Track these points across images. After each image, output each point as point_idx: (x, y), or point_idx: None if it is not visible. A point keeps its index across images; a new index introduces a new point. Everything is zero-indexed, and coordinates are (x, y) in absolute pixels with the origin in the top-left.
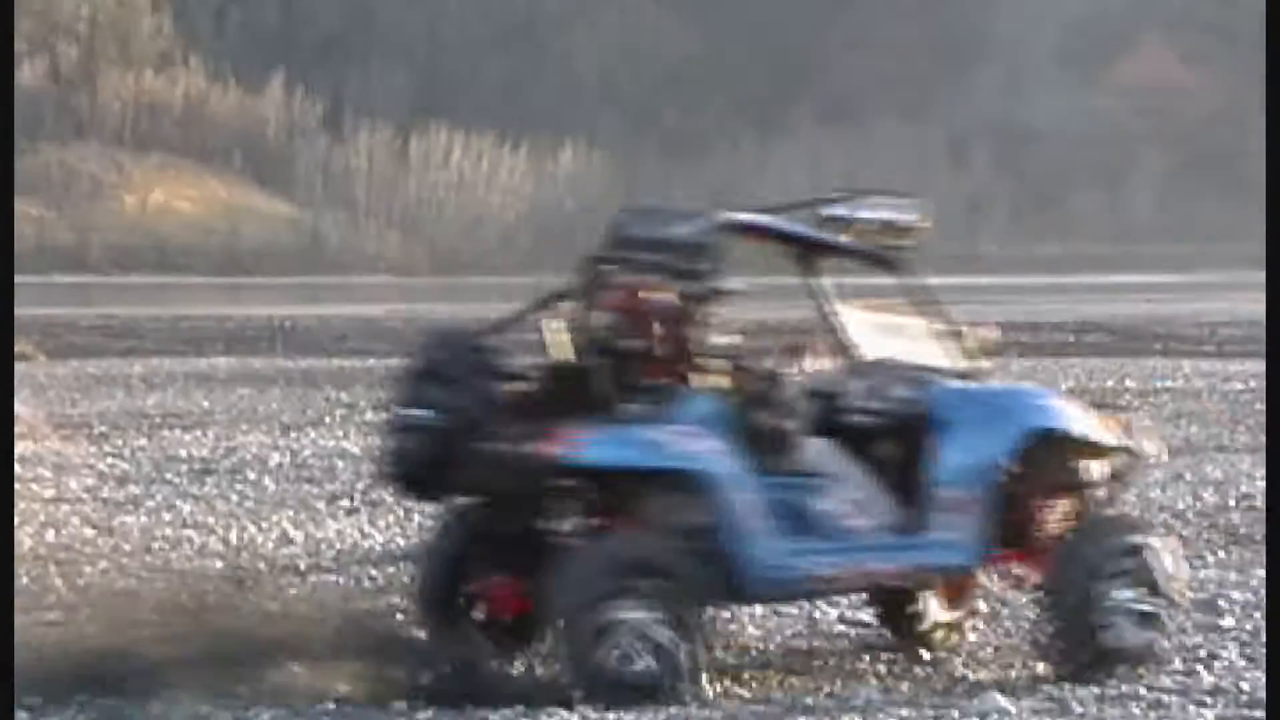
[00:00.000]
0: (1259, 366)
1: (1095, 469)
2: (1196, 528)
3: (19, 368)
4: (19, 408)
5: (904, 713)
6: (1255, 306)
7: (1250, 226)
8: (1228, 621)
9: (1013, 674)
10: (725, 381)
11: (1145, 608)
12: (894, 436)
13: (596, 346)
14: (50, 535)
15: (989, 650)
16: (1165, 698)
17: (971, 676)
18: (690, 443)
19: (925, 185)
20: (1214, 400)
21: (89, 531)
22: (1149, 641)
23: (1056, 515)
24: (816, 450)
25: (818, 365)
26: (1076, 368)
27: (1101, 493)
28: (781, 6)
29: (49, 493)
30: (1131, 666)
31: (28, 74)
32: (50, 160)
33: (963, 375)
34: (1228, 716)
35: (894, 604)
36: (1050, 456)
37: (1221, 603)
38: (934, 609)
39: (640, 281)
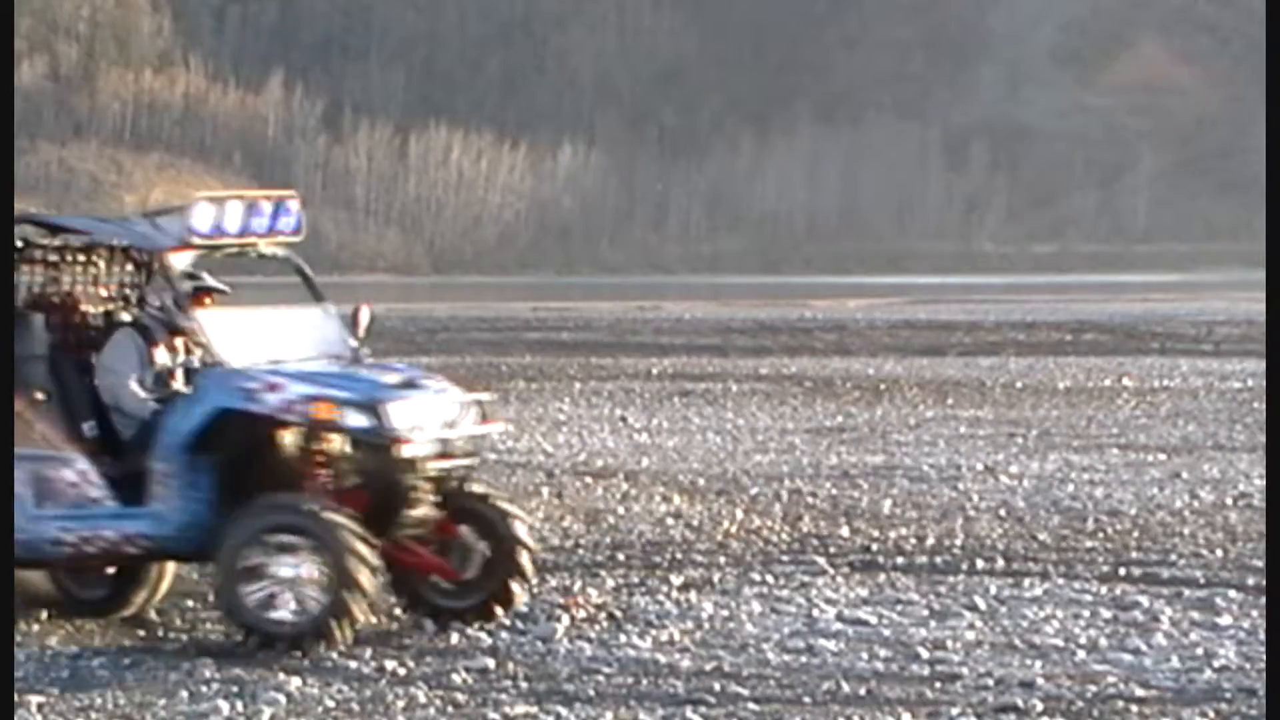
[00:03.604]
0: (1257, 365)
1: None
2: (1194, 526)
3: None
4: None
5: (902, 711)
6: (1253, 305)
7: (1247, 225)
8: (1225, 620)
9: (1011, 672)
10: None
11: (307, 596)
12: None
13: None
14: None
15: (985, 648)
16: (1163, 695)
17: (966, 674)
18: None
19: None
20: (1211, 399)
21: None
22: (300, 627)
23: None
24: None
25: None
26: (1074, 367)
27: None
28: (779, 6)
29: None
30: (275, 645)
31: (27, 73)
32: (50, 159)
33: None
34: (1226, 715)
35: (403, 589)
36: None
37: (1219, 601)
38: (432, 597)
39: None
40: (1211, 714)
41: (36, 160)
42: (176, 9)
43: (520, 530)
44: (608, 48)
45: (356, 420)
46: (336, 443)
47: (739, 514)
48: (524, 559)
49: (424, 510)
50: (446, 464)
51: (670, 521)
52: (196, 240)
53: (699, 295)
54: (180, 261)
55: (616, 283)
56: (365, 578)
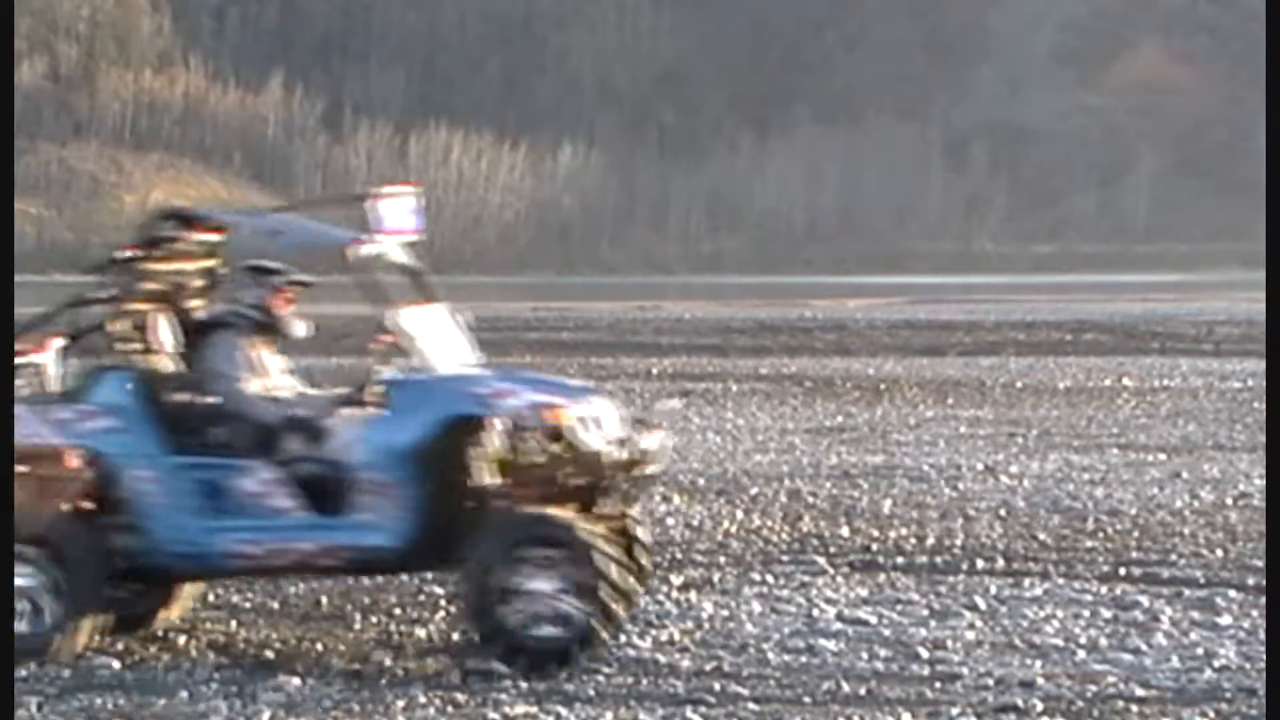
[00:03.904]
0: (1257, 365)
1: (596, 464)
2: (1194, 526)
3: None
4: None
5: (902, 711)
6: (1253, 305)
7: (1247, 225)
8: (1225, 620)
9: (1011, 672)
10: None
11: (567, 607)
12: (298, 424)
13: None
14: None
15: (985, 648)
16: (1163, 695)
17: (967, 674)
18: (89, 422)
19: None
20: (1211, 399)
21: None
22: (567, 639)
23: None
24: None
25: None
26: (1074, 366)
27: (611, 484)
28: (779, 6)
29: None
30: (545, 661)
31: (27, 73)
32: (50, 159)
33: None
34: (1226, 715)
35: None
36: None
37: (1219, 601)
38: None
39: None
40: (1211, 714)
41: (36, 160)
42: (176, 9)
43: (640, 531)
44: (608, 48)
45: (581, 425)
46: (540, 447)
47: (739, 514)
48: (643, 559)
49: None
50: (645, 470)
51: (670, 521)
52: (380, 237)
53: (699, 295)
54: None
55: (616, 283)
56: (622, 581)
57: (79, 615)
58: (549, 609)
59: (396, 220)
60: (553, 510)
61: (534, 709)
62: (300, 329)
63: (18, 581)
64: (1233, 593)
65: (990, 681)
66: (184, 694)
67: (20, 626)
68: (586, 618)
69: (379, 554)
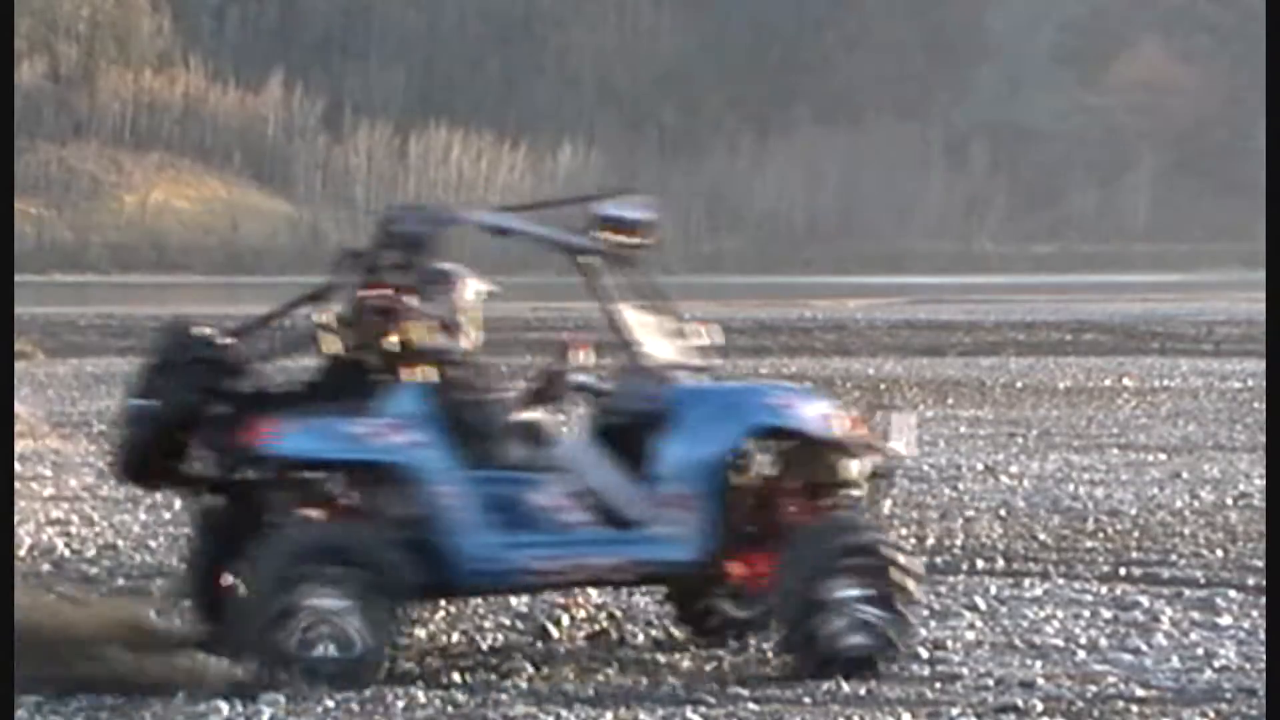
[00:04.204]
0: (1257, 365)
1: (847, 468)
2: (1194, 526)
3: (18, 366)
4: (19, 406)
5: (902, 710)
6: (1252, 305)
7: (1247, 225)
8: (1225, 620)
9: (1012, 672)
10: (433, 375)
11: (869, 615)
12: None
13: (355, 342)
14: (50, 533)
15: (985, 648)
16: (1163, 695)
17: (966, 674)
18: (391, 435)
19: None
20: (1211, 399)
21: (88, 530)
22: (872, 647)
23: (795, 513)
24: (558, 446)
25: (588, 363)
26: (1074, 367)
27: (858, 492)
28: (779, 6)
29: (48, 491)
30: (853, 670)
31: (27, 73)
32: (50, 159)
33: (699, 371)
34: (1226, 715)
35: (686, 600)
36: (796, 455)
37: (1219, 601)
38: (725, 607)
39: (373, 279)
40: (1212, 714)
41: (36, 160)
42: (176, 9)
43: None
44: (608, 48)
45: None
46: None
47: None
48: None
49: None
50: (892, 474)
51: None
52: (611, 239)
53: (699, 295)
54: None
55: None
56: (916, 589)
57: (387, 637)
58: (855, 618)
59: (627, 222)
60: (857, 520)
61: (534, 709)
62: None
63: (326, 603)
64: (1233, 593)
65: (990, 681)
66: (184, 694)
67: (329, 652)
68: (886, 625)
69: (677, 568)
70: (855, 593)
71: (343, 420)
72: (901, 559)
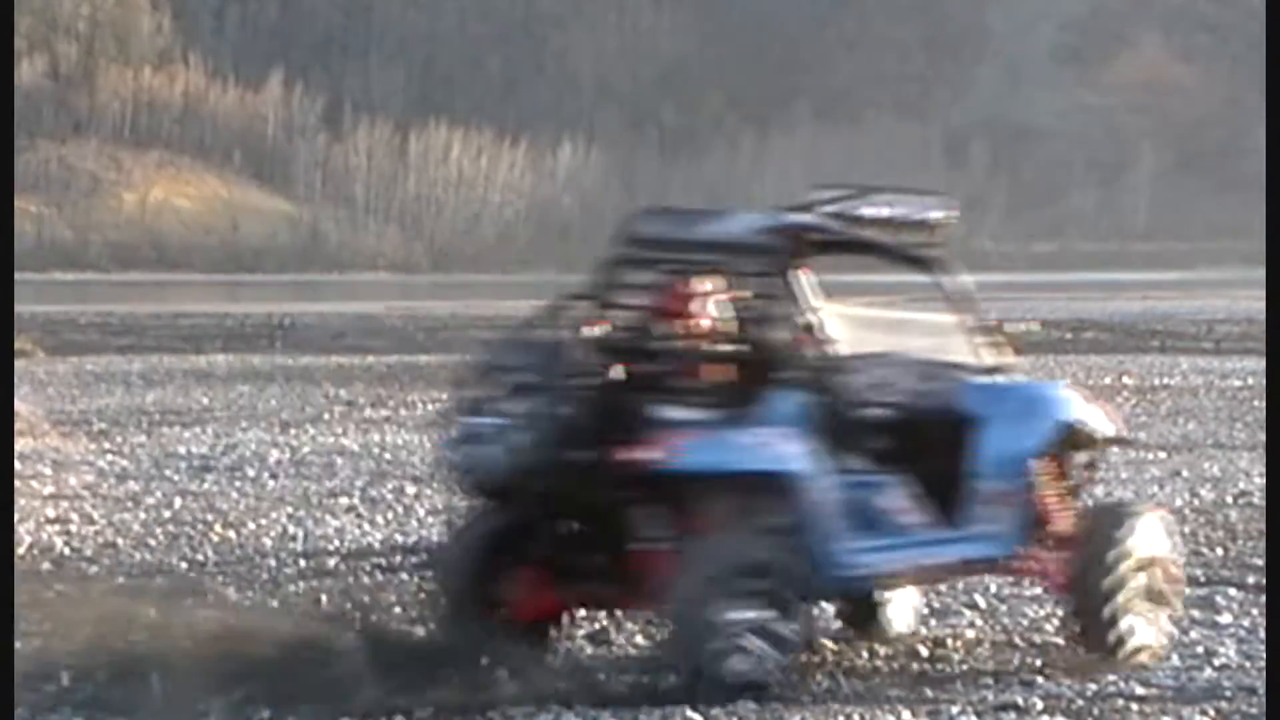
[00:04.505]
0: (1257, 363)
1: (1082, 459)
2: (1194, 524)
3: (19, 365)
4: (19, 405)
5: (901, 709)
6: (1252, 304)
7: (1247, 224)
8: (1225, 618)
9: (1010, 669)
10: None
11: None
12: (910, 431)
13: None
14: (50, 531)
15: (985, 646)
16: (1163, 694)
17: (966, 672)
18: (780, 444)
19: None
20: (1212, 397)
21: (88, 528)
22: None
23: (1067, 507)
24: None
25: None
26: (1074, 365)
27: (1079, 482)
28: (779, 4)
29: (49, 489)
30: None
31: (27, 72)
32: (50, 158)
33: (989, 370)
34: (1226, 714)
35: (861, 606)
36: (1066, 449)
37: (1219, 599)
38: (899, 614)
39: (686, 282)
40: (1212, 713)
41: (36, 159)
42: (176, 7)
43: None
44: (608, 48)
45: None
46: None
47: None
48: None
49: None
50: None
51: None
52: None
53: None
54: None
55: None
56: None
57: (799, 648)
58: (1146, 613)
59: (925, 223)
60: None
61: (533, 709)
62: None
63: (745, 616)
64: (1233, 591)
65: (990, 680)
66: (183, 692)
67: (741, 665)
68: (1156, 614)
69: (987, 565)
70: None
71: (732, 431)
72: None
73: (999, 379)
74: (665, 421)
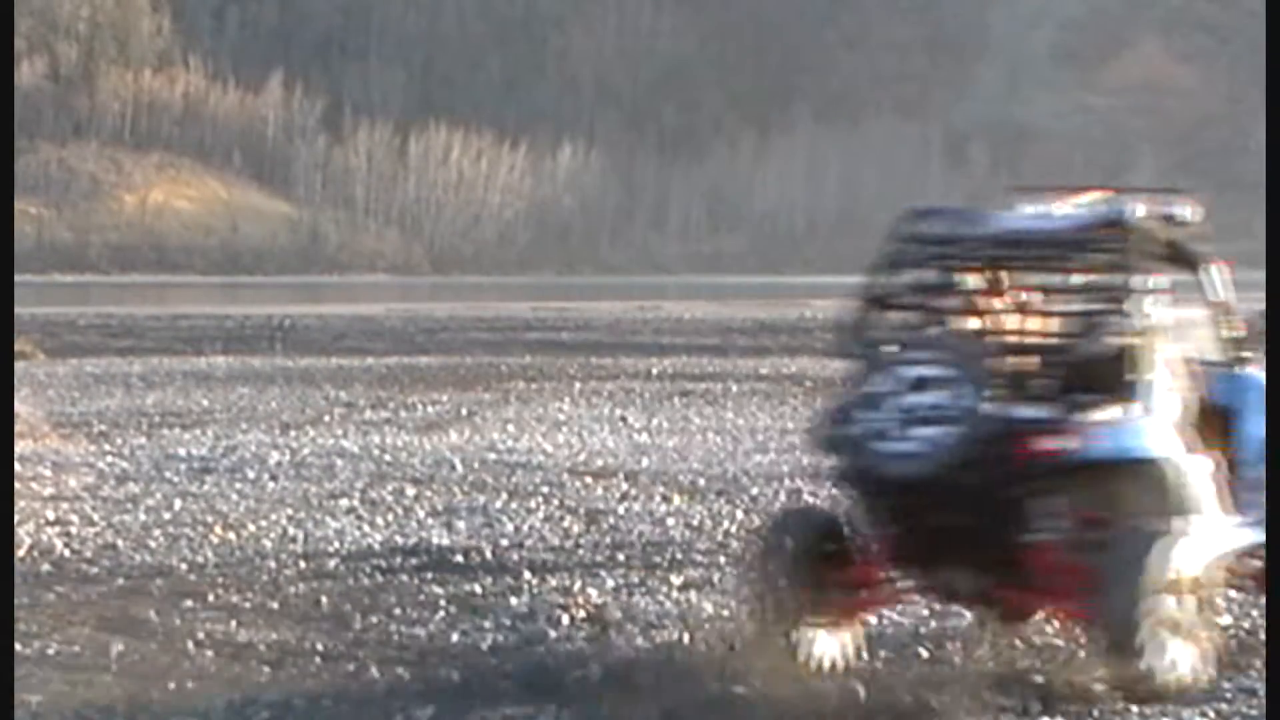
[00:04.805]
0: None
1: None
2: None
3: (18, 366)
4: (19, 406)
5: (900, 709)
6: (1252, 305)
7: (1247, 225)
8: (1225, 619)
9: (1012, 671)
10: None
11: None
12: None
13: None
14: (50, 533)
15: (985, 646)
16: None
17: (966, 672)
18: (1156, 431)
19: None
20: None
21: (88, 530)
22: None
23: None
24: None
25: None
26: None
27: None
28: (779, 5)
29: (48, 491)
30: None
31: (27, 73)
32: (50, 159)
33: (1237, 363)
34: (1226, 715)
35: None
36: None
37: (1219, 600)
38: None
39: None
40: (1212, 714)
41: (36, 160)
42: (176, 9)
43: None
44: (608, 48)
45: None
46: None
47: (739, 514)
48: None
49: None
50: None
51: (670, 521)
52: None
53: (699, 295)
54: None
55: (616, 283)
56: None
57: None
58: None
59: (1176, 220)
60: None
61: (532, 709)
62: None
63: (1173, 613)
64: (1233, 592)
65: (990, 680)
66: (183, 692)
67: (1168, 661)
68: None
69: (1259, 549)
70: None
71: (1137, 420)
72: None
73: (1246, 370)
74: (1034, 418)
